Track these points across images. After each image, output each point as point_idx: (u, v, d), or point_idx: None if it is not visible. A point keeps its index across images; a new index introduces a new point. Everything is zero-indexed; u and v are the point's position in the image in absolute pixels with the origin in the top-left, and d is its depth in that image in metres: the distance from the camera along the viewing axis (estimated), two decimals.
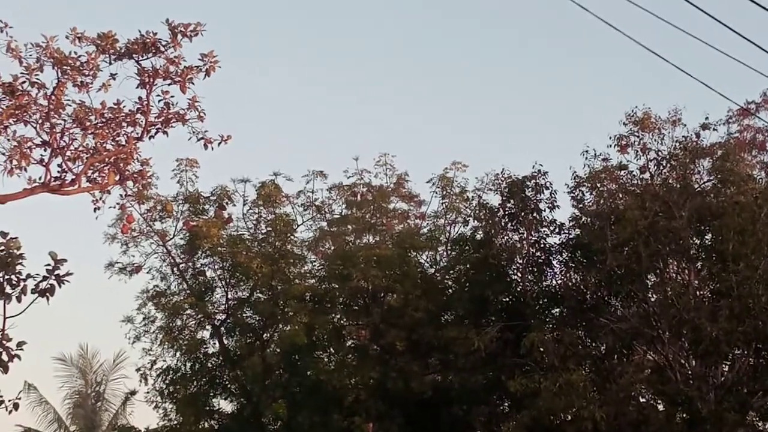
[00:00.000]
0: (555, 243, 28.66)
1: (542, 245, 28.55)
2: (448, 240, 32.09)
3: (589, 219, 28.28)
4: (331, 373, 29.61)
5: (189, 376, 31.51)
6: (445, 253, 32.15)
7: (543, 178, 28.38)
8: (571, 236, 28.60)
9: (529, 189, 28.40)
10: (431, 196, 33.61)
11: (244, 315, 31.74)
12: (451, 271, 30.84)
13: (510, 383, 25.45)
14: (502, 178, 29.03)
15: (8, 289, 18.78)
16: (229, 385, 31.59)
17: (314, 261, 32.84)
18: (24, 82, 21.00)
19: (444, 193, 32.82)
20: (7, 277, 18.72)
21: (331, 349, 31.22)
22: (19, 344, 19.05)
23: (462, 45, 67.13)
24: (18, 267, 18.77)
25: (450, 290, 30.37)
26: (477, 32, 67.20)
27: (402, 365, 28.32)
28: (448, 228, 32.68)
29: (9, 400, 19.26)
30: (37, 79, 21.20)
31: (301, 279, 31.63)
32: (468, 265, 29.46)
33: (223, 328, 31.68)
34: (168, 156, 31.07)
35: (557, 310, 28.65)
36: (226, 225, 32.12)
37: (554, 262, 28.67)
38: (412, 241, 30.85)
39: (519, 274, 28.69)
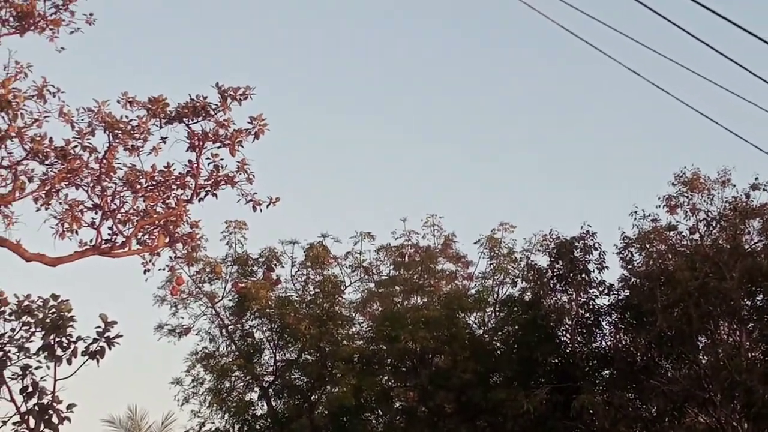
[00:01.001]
0: (604, 304, 28.52)
1: (591, 306, 28.38)
2: (496, 301, 31.95)
3: (638, 280, 28.07)
4: None
5: None
6: (493, 314, 31.99)
7: (591, 239, 28.32)
8: (620, 297, 28.41)
9: (578, 250, 28.31)
10: (479, 257, 33.59)
11: (292, 377, 31.70)
12: (500, 333, 30.67)
13: None
14: (551, 239, 28.98)
15: (59, 352, 18.98)
16: None
17: (362, 322, 32.82)
18: (76, 146, 21.29)
19: (492, 254, 32.78)
20: (58, 339, 18.93)
21: (379, 411, 31.06)
22: (69, 407, 19.21)
23: (508, 107, 67.18)
24: (69, 329, 18.99)
25: (498, 352, 30.18)
26: (523, 95, 67.20)
27: (451, 427, 28.11)
28: (496, 289, 32.57)
29: None
30: (88, 143, 21.50)
31: (349, 340, 31.59)
32: (516, 327, 29.34)
33: (271, 390, 31.64)
34: (217, 218, 31.30)
35: (607, 372, 28.41)
36: (275, 286, 32.22)
37: (603, 324, 28.51)
38: (460, 302, 30.74)
39: (568, 336, 28.51)
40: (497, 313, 31.54)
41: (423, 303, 31.06)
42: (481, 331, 31.72)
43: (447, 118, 65.94)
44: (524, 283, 29.94)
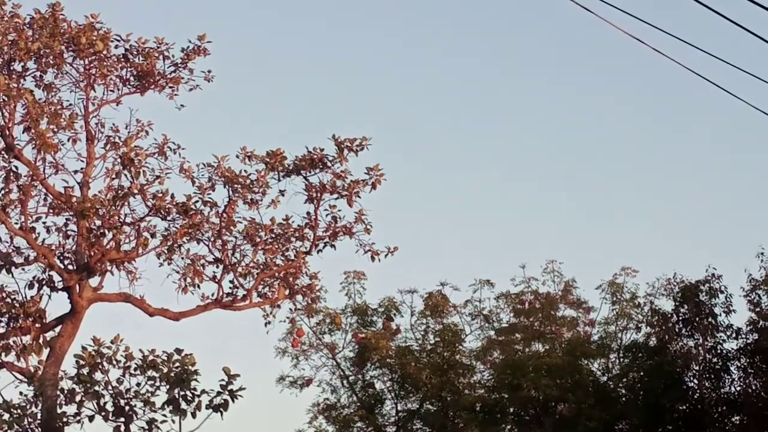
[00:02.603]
0: (732, 348, 27.89)
1: (719, 351, 27.77)
2: (619, 347, 31.42)
3: (767, 323, 27.39)
4: None
5: None
6: (617, 360, 31.46)
7: (717, 282, 27.76)
8: (748, 341, 27.75)
9: (703, 293, 27.79)
10: (600, 302, 33.11)
11: (414, 427, 31.57)
12: (625, 379, 30.13)
13: None
14: (675, 283, 28.48)
15: (184, 405, 19.12)
16: None
17: (483, 371, 32.52)
18: (197, 201, 21.62)
19: (614, 299, 32.28)
20: (182, 393, 19.08)
21: None
22: None
23: (625, 148, 66.42)
24: (193, 383, 19.14)
25: (624, 399, 29.64)
26: (642, 134, 66.46)
27: None
28: (619, 335, 32.04)
29: None
30: (209, 198, 21.82)
31: (470, 389, 31.34)
32: (642, 373, 28.82)
33: None
34: (336, 269, 31.40)
35: (737, 418, 27.69)
36: (395, 336, 32.18)
37: (732, 368, 27.84)
38: (582, 348, 30.30)
39: (695, 382, 27.91)
40: (621, 360, 30.99)
41: (545, 350, 30.67)
42: (605, 378, 31.19)
43: (562, 163, 65.49)
44: (648, 328, 29.46)
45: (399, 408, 31.92)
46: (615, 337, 31.98)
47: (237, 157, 22.17)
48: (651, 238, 60.69)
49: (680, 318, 27.93)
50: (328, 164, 22.43)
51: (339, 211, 23.32)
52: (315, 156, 22.31)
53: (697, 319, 27.53)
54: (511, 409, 30.23)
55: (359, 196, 22.75)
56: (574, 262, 63.06)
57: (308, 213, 23.24)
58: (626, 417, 28.65)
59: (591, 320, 34.03)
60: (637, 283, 32.35)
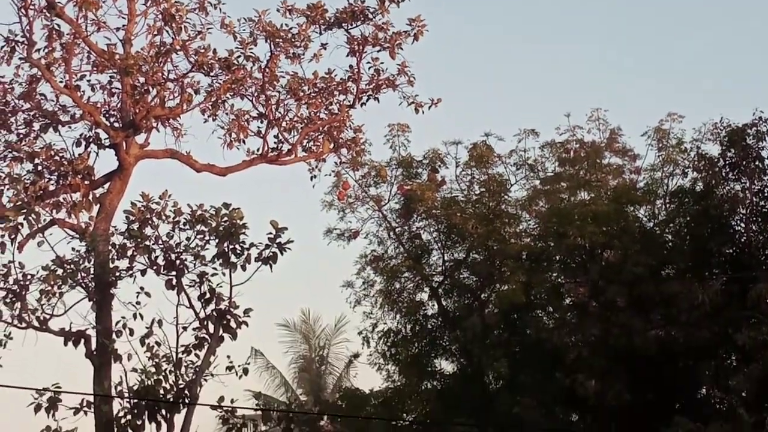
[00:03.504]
0: None
1: (766, 194, 27.58)
2: (666, 193, 31.29)
3: None
4: (551, 331, 29.41)
5: (410, 338, 31.88)
6: (663, 206, 31.37)
7: (765, 125, 27.41)
8: None
9: (750, 137, 27.47)
10: (646, 149, 32.86)
11: (461, 276, 31.85)
12: (671, 225, 30.11)
13: (737, 336, 24.78)
14: (721, 127, 28.16)
15: (233, 259, 19.56)
16: (449, 346, 31.78)
17: (529, 220, 32.61)
18: (239, 56, 21.71)
19: (660, 145, 32.02)
20: (231, 246, 19.47)
21: (550, 308, 31.01)
22: (246, 311, 19.84)
23: None
24: (241, 236, 19.50)
25: (670, 244, 29.67)
26: None
27: (623, 321, 27.79)
28: (665, 181, 31.84)
29: (239, 366, 20.11)
30: (251, 53, 21.91)
31: (516, 238, 31.49)
32: (688, 218, 28.76)
33: (441, 290, 31.88)
34: (379, 122, 31.39)
35: None
36: (440, 187, 32.27)
37: None
38: (628, 195, 30.22)
39: (742, 225, 27.82)
40: (667, 206, 30.92)
41: (590, 198, 30.62)
42: (651, 224, 31.18)
43: (606, 10, 64.50)
44: (695, 173, 29.24)
45: (446, 258, 32.20)
46: (661, 183, 31.82)
47: (278, 11, 22.14)
48: (697, 83, 60.04)
49: (727, 162, 27.67)
50: (370, 16, 22.35)
51: (381, 63, 23.33)
52: (356, 8, 22.23)
53: (744, 162, 27.27)
54: (557, 257, 30.38)
55: (401, 48, 22.75)
56: (620, 109, 62.69)
57: (351, 66, 23.27)
58: (672, 262, 28.73)
59: (637, 167, 33.89)
60: (683, 128, 32.03)
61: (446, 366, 32.22)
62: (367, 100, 23.79)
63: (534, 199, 32.29)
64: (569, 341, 29.17)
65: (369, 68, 23.23)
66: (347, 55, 22.96)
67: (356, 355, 38.82)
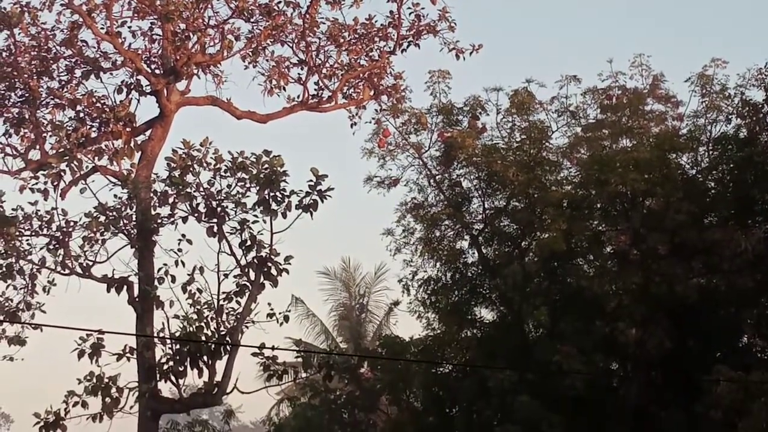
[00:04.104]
0: None
1: None
2: (709, 140, 30.92)
3: None
4: (591, 279, 29.31)
5: (450, 286, 31.85)
6: (706, 153, 31.00)
7: None
8: None
9: None
10: (689, 96, 32.45)
11: (501, 224, 31.71)
12: (714, 172, 29.79)
13: None
14: (766, 73, 27.82)
15: (274, 206, 19.59)
16: (489, 294, 31.73)
17: (570, 167, 32.36)
18: (279, 2, 21.66)
19: (703, 91, 31.62)
20: (272, 194, 19.49)
21: (591, 256, 30.84)
22: (287, 259, 19.92)
23: None
24: (282, 184, 19.52)
25: (713, 191, 29.38)
26: None
27: (665, 269, 27.63)
28: (708, 128, 31.46)
29: (279, 313, 20.24)
30: None
31: (557, 186, 31.27)
32: (731, 165, 28.45)
33: (481, 238, 31.78)
34: (420, 69, 31.19)
35: None
36: (481, 135, 32.06)
37: None
38: (671, 142, 29.89)
39: None
40: (710, 153, 30.59)
41: (632, 145, 30.33)
42: (694, 172, 30.85)
43: None
44: (739, 120, 28.93)
45: (486, 205, 32.03)
46: (704, 130, 31.45)
47: None
48: (740, 28, 59.22)
49: None
50: None
51: (422, 9, 23.19)
52: None
53: None
54: (599, 205, 30.18)
55: None
56: (663, 55, 62.10)
57: (391, 12, 23.17)
58: (715, 209, 28.49)
59: (679, 114, 33.54)
60: (727, 74, 31.53)
61: (486, 314, 32.25)
62: (407, 47, 23.70)
63: (575, 146, 32.06)
64: (610, 290, 29.11)
65: (409, 14, 23.13)
66: (388, 1, 22.85)
67: (396, 303, 38.87)
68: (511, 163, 30.61)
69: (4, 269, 19.81)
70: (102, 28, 21.40)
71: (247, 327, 19.65)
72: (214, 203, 19.69)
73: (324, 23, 22.92)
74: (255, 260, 19.74)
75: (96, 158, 20.46)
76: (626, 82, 32.68)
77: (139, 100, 21.75)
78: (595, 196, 29.77)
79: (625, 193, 29.00)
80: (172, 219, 19.96)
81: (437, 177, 32.53)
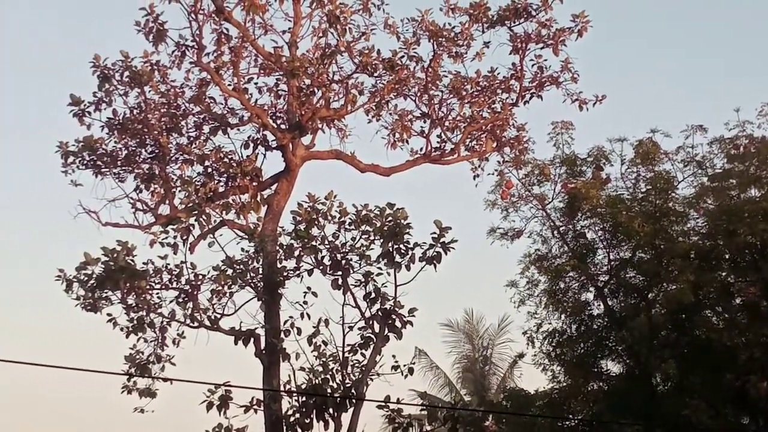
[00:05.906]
0: None
1: None
2: None
3: None
4: (720, 331, 28.73)
5: (575, 338, 31.54)
6: None
7: None
8: None
9: None
10: None
11: (627, 275, 31.33)
12: None
13: None
14: None
15: (398, 258, 19.63)
16: (615, 347, 31.32)
17: (697, 218, 31.84)
18: (402, 56, 21.84)
19: None
20: (396, 246, 19.55)
21: (719, 308, 30.24)
22: (411, 311, 19.90)
23: None
24: (405, 236, 19.57)
25: None
26: None
27: None
28: None
29: (404, 365, 20.19)
30: (414, 52, 22.04)
31: (684, 237, 30.80)
32: None
33: (606, 289, 31.44)
34: (543, 120, 31.16)
35: None
36: (605, 185, 31.81)
37: None
38: None
39: None
40: None
41: (761, 195, 29.73)
42: None
43: None
44: None
45: (611, 257, 31.73)
46: None
47: (440, 10, 22.23)
48: None
49: None
50: (533, 13, 22.24)
51: (545, 60, 23.17)
52: (519, 5, 22.14)
53: None
54: (727, 255, 29.63)
55: (565, 45, 22.58)
56: None
57: (513, 64, 23.18)
58: None
59: None
60: None
61: (612, 367, 31.81)
62: (530, 98, 23.65)
63: (702, 196, 31.52)
64: (740, 342, 28.46)
65: (532, 66, 23.10)
66: (510, 53, 22.88)
67: (521, 355, 38.57)
68: (636, 213, 30.28)
69: (135, 322, 20.17)
70: (229, 85, 21.86)
71: (372, 379, 19.64)
72: (338, 256, 19.81)
73: (447, 76, 23.05)
74: (379, 312, 19.78)
75: (224, 212, 20.78)
76: (754, 131, 32.09)
77: (265, 155, 22.09)
78: (723, 247, 29.24)
79: (754, 244, 28.41)
80: (297, 272, 20.13)
81: (561, 228, 32.34)
